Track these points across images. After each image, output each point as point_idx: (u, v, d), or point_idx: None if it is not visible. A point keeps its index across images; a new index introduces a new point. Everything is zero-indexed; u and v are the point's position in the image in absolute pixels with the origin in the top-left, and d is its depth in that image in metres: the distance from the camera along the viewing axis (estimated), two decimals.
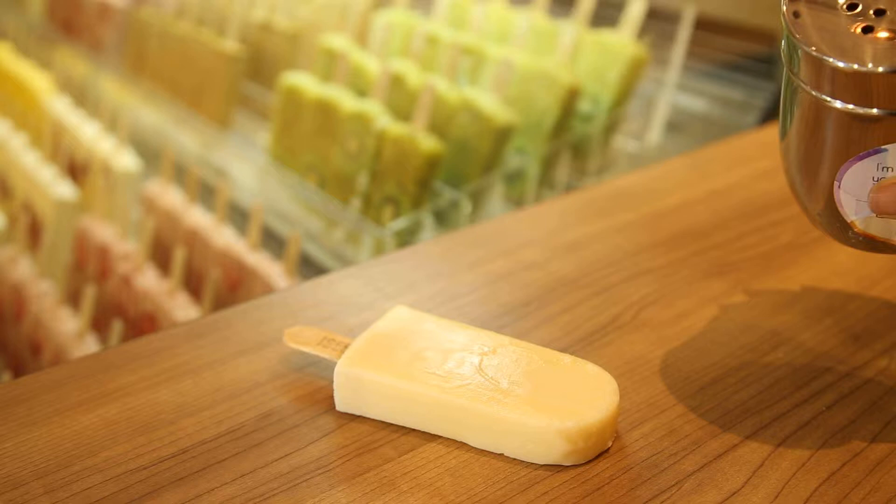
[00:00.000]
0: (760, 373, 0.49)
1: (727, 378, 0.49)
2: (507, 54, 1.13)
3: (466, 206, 1.08)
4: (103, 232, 1.17)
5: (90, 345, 1.04)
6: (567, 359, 0.46)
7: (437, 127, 1.09)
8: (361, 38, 1.40)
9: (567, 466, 0.42)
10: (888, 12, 0.38)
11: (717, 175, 0.75)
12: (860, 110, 0.38)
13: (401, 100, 1.14)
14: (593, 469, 0.42)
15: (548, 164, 1.14)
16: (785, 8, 0.40)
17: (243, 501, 0.40)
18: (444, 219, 1.09)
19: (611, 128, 1.17)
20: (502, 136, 1.07)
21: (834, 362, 0.50)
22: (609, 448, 0.44)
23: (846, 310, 0.55)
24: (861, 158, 0.39)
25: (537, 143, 1.12)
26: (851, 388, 0.48)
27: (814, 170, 0.41)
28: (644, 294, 0.57)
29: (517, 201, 1.15)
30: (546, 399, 0.43)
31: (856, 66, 0.37)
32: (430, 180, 1.05)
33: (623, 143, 1.23)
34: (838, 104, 0.39)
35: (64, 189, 1.32)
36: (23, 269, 1.25)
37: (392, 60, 1.20)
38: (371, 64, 1.22)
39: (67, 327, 1.08)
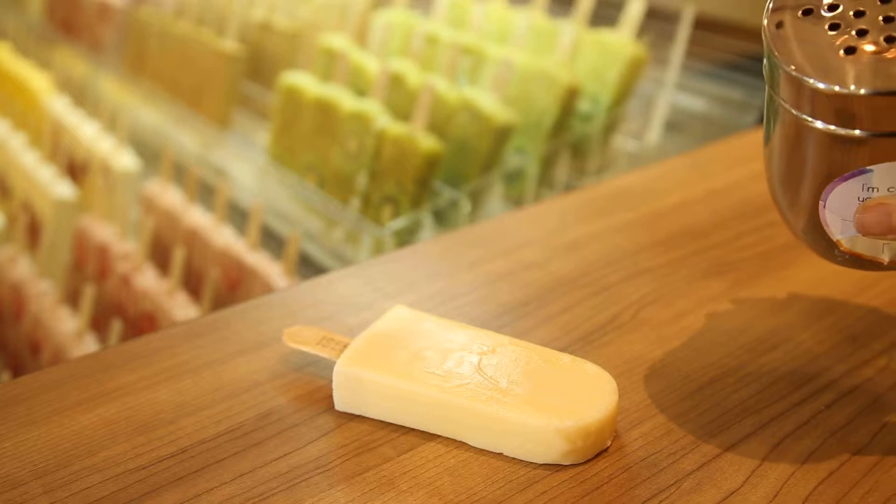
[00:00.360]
0: (759, 372, 0.49)
1: (726, 378, 0.49)
2: (506, 54, 1.13)
3: (466, 206, 1.08)
4: (103, 231, 1.17)
5: (89, 344, 1.04)
6: (566, 358, 0.46)
7: (437, 126, 1.09)
8: (361, 37, 1.40)
9: (566, 466, 0.42)
10: (870, 32, 0.37)
11: (716, 175, 0.75)
12: (842, 131, 0.37)
13: (400, 99, 1.14)
14: (592, 468, 0.42)
15: (547, 164, 1.14)
16: (766, 22, 0.39)
17: (242, 501, 0.40)
18: (443, 218, 1.09)
19: (610, 127, 1.17)
20: (502, 135, 1.07)
21: (832, 362, 0.50)
22: (608, 447, 0.44)
23: (844, 310, 0.55)
24: (846, 179, 0.38)
25: (537, 142, 1.12)
26: (850, 388, 0.48)
27: (795, 187, 0.41)
28: (643, 294, 0.57)
29: (516, 201, 1.15)
30: (545, 398, 0.43)
31: (837, 89, 0.36)
32: (430, 180, 1.05)
33: (622, 142, 1.23)
34: (819, 125, 0.38)
35: (63, 189, 1.32)
36: (22, 268, 1.25)
37: (391, 60, 1.20)
38: (370, 64, 1.22)
39: (67, 327, 1.08)
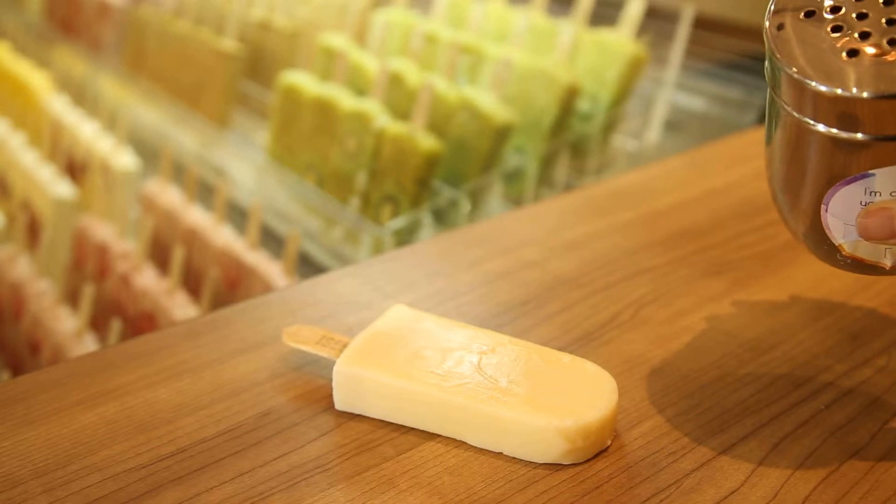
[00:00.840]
0: (759, 372, 0.49)
1: (726, 377, 0.49)
2: (505, 53, 1.13)
3: (465, 205, 1.08)
4: (102, 231, 1.17)
5: (89, 344, 1.04)
6: (566, 357, 0.46)
7: (436, 126, 1.09)
8: (360, 37, 1.40)
9: (566, 465, 0.42)
10: (873, 34, 0.37)
11: (715, 174, 0.75)
12: (844, 135, 0.37)
13: (400, 99, 1.14)
14: (592, 468, 0.42)
15: (547, 163, 1.14)
16: (768, 23, 0.39)
17: (242, 500, 0.40)
18: (442, 218, 1.09)
19: (610, 127, 1.17)
20: (501, 134, 1.07)
21: (832, 361, 0.50)
22: (608, 447, 0.44)
23: (844, 309, 0.55)
24: (848, 183, 0.38)
25: (536, 142, 1.12)
26: (850, 387, 0.48)
27: (796, 190, 0.41)
28: (643, 293, 0.57)
29: (516, 200, 1.15)
30: (545, 398, 0.43)
31: (839, 91, 0.36)
32: (429, 179, 1.05)
33: (622, 142, 1.23)
34: (821, 128, 0.37)
35: (63, 188, 1.32)
36: (21, 268, 1.24)
37: (391, 59, 1.20)
38: (370, 63, 1.22)
39: (66, 326, 1.08)
